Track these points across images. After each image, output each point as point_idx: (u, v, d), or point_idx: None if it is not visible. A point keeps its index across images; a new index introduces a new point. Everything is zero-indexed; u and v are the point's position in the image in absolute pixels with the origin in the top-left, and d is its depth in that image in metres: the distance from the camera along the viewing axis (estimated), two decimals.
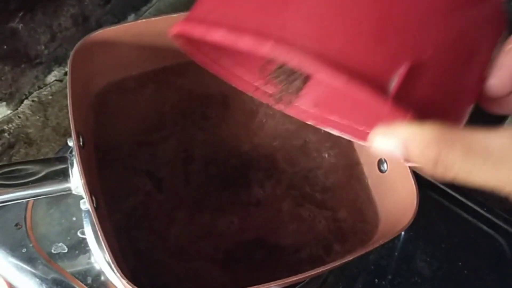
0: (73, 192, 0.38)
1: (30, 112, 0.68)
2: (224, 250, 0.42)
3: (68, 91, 0.40)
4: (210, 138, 0.47)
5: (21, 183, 0.37)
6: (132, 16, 0.76)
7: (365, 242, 0.44)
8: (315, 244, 0.44)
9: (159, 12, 0.81)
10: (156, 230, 0.43)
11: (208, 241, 0.42)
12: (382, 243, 0.40)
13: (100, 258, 0.46)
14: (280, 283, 0.39)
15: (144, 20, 0.46)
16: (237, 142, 0.48)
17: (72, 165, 0.38)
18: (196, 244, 0.42)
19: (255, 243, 0.43)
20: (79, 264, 0.46)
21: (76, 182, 0.38)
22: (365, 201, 0.46)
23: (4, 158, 0.64)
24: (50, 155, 0.65)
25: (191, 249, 0.42)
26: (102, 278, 0.46)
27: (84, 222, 0.48)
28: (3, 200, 0.37)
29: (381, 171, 0.46)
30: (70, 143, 0.39)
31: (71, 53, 0.41)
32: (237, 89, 0.34)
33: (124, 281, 0.33)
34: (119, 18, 0.74)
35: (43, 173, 0.38)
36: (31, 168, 0.38)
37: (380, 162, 0.46)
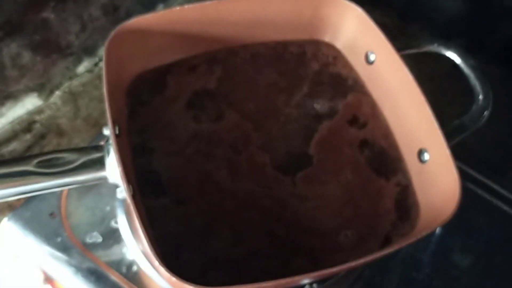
0: (109, 181, 0.38)
1: (61, 103, 0.68)
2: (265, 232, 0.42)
3: (103, 79, 0.39)
4: None
5: (57, 171, 0.37)
6: (161, 5, 0.76)
7: (405, 235, 0.42)
8: (355, 236, 0.42)
9: (187, 2, 0.80)
10: (190, 218, 0.42)
11: (249, 232, 0.42)
12: (425, 234, 0.39)
13: (134, 248, 0.46)
14: (315, 275, 0.39)
15: (177, 8, 0.46)
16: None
17: (108, 154, 0.38)
18: (237, 235, 0.41)
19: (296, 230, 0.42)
20: (114, 254, 0.46)
21: (112, 170, 0.37)
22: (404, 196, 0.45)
23: (36, 149, 0.64)
24: (82, 145, 0.65)
25: (230, 241, 0.41)
26: (136, 268, 0.46)
27: (118, 212, 0.47)
28: (40, 188, 0.37)
29: (421, 161, 0.44)
30: (106, 131, 0.39)
31: (106, 42, 0.41)
32: None
33: (162, 269, 0.32)
34: (148, 7, 0.74)
35: (79, 162, 0.37)
36: (67, 156, 0.38)
37: (421, 152, 0.44)
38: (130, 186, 0.36)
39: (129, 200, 0.35)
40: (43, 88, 0.66)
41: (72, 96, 0.68)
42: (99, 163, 0.38)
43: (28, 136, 0.65)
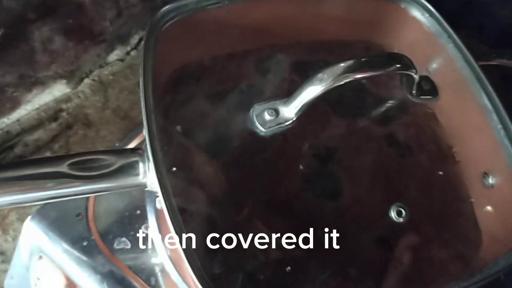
0: (148, 188, 0.35)
1: (90, 92, 0.65)
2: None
3: (140, 82, 0.36)
4: None
5: (92, 175, 0.33)
6: None
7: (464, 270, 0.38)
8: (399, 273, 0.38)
9: None
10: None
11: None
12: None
13: (165, 257, 0.42)
14: None
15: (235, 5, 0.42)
16: None
17: (149, 159, 0.34)
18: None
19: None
20: (143, 263, 0.42)
21: (152, 177, 0.34)
22: (466, 223, 0.40)
23: (62, 139, 0.61)
24: (109, 138, 0.61)
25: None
26: (166, 278, 0.42)
27: (149, 217, 0.44)
28: (72, 193, 0.33)
29: (486, 186, 0.40)
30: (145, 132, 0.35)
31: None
32: None
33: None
34: None
35: (117, 165, 0.34)
36: (103, 159, 0.34)
37: (485, 174, 0.40)
38: None
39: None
40: (72, 75, 0.63)
41: (102, 85, 0.65)
42: (138, 168, 0.34)
43: (53, 125, 0.62)
